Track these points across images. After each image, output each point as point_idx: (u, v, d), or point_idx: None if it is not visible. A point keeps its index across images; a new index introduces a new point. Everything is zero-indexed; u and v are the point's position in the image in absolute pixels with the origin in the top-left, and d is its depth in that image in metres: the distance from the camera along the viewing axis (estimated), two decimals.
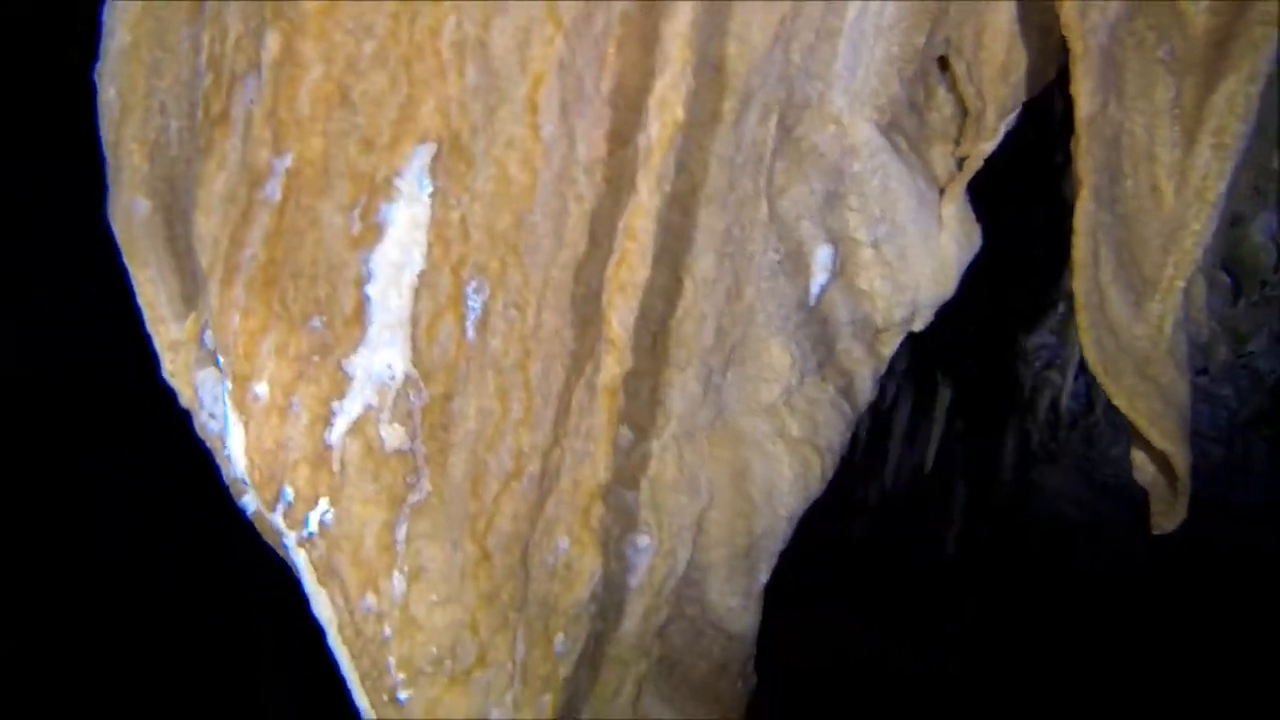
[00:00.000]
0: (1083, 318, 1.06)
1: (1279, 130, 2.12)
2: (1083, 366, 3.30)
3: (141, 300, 1.10)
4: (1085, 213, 1.04)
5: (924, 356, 3.65)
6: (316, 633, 1.07)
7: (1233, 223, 2.48)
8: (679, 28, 0.91)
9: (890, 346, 1.17)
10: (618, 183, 0.96)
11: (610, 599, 1.03)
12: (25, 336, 5.75)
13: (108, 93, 1.08)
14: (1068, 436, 3.99)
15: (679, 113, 0.91)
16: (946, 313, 1.28)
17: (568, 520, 0.94)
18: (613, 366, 0.92)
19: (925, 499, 4.87)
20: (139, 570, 6.03)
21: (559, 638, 0.94)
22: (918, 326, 1.19)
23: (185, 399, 1.08)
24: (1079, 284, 1.06)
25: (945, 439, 3.89)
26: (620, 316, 0.93)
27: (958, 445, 4.19)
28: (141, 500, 6.19)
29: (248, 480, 0.96)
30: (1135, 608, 6.12)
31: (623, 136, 0.97)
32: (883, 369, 1.18)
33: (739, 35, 0.97)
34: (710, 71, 0.98)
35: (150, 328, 1.11)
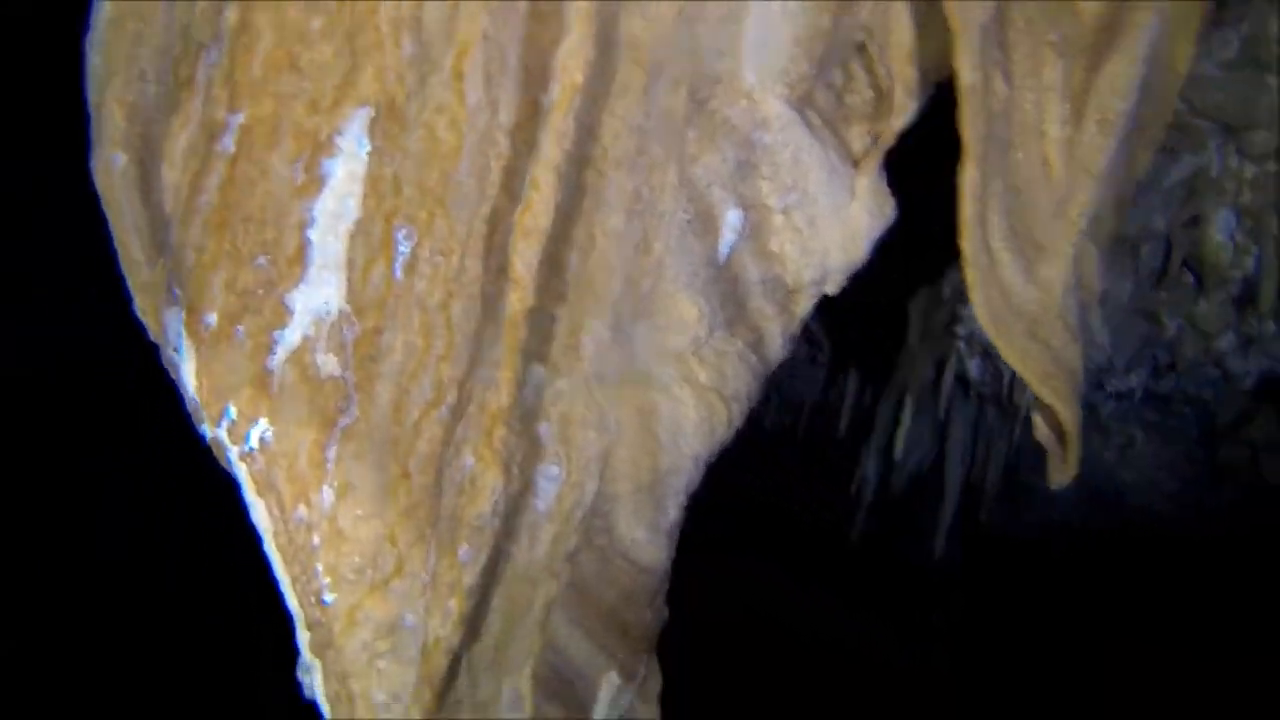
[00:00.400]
0: (971, 276, 1.17)
1: (1238, 128, 2.19)
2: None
3: (118, 245, 1.25)
4: (969, 178, 1.15)
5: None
6: None
7: (1193, 221, 2.54)
8: (581, 2, 1.03)
9: (803, 306, 1.29)
10: (530, 142, 1.09)
11: (522, 523, 1.15)
12: (25, 336, 5.87)
13: (95, 60, 1.24)
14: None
15: (577, 77, 1.04)
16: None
17: (474, 441, 1.06)
18: (515, 303, 1.05)
19: (913, 491, 4.92)
20: (139, 570, 6.17)
21: (463, 548, 1.06)
22: (830, 290, 1.30)
23: (154, 334, 1.23)
24: (966, 245, 1.17)
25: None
26: (524, 258, 1.06)
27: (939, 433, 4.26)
28: (141, 500, 6.30)
29: (196, 399, 1.10)
30: (1118, 601, 6.13)
31: (538, 102, 1.10)
32: (795, 328, 1.30)
33: (643, 12, 1.09)
34: (617, 45, 1.10)
35: (125, 270, 1.25)
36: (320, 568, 1.15)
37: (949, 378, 3.69)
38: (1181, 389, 3.56)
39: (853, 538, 5.23)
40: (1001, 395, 3.77)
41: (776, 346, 1.32)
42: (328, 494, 1.15)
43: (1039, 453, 4.04)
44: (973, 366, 3.81)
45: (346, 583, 1.15)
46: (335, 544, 1.15)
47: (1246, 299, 2.80)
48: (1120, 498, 4.79)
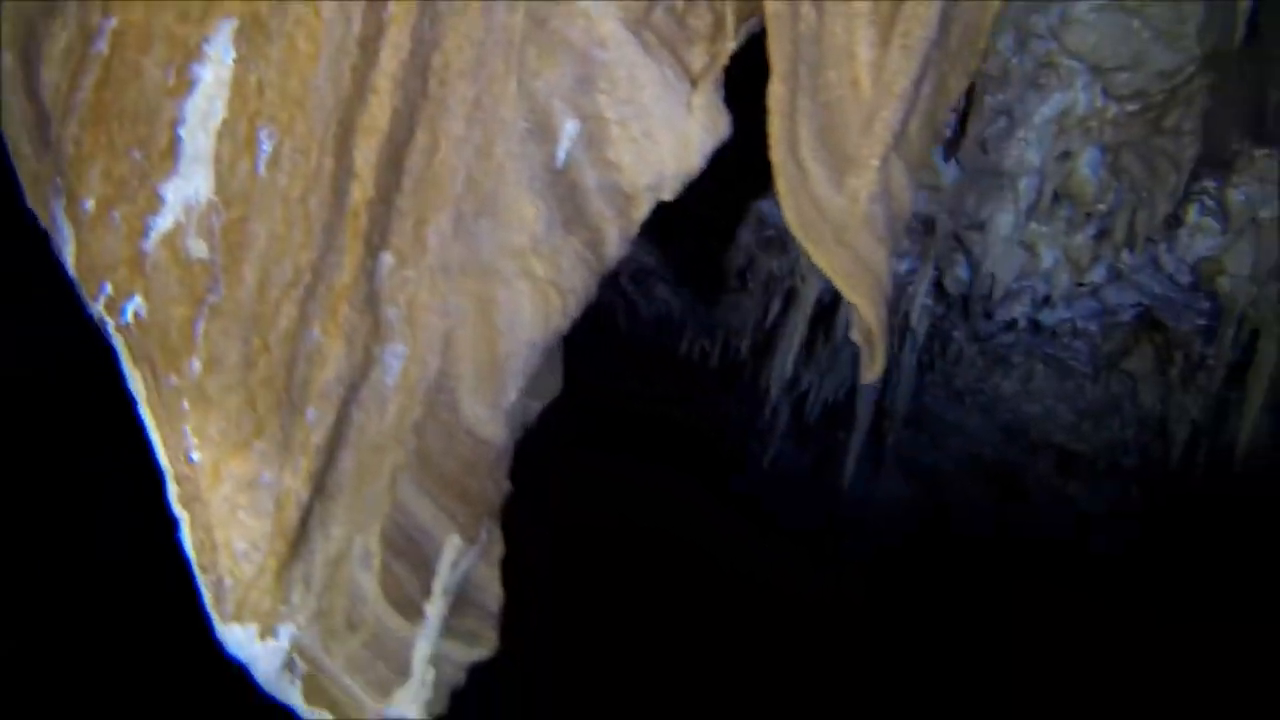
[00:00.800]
0: (781, 185, 1.33)
1: (1105, 68, 2.35)
2: (939, 287, 3.56)
3: (8, 140, 1.38)
4: (776, 96, 1.31)
5: None
6: None
7: (1064, 156, 2.72)
8: None
9: (640, 211, 1.45)
10: (375, 52, 1.22)
11: (370, 395, 1.31)
12: (25, 336, 5.82)
13: None
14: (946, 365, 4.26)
15: None
16: None
17: (322, 317, 1.22)
18: (356, 194, 1.21)
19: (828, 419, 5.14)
20: (139, 570, 6.20)
21: (310, 410, 1.22)
22: (666, 196, 1.46)
23: (44, 223, 1.35)
24: (775, 157, 1.32)
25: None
26: (364, 155, 1.21)
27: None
28: (141, 500, 6.26)
29: (75, 276, 1.23)
30: (1028, 531, 6.44)
31: (381, 17, 1.23)
32: (633, 230, 1.46)
33: None
34: None
35: (15, 163, 1.38)
36: (188, 429, 1.31)
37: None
38: (1070, 321, 3.76)
39: (764, 464, 5.44)
40: (907, 326, 3.96)
41: (614, 246, 1.49)
42: (196, 364, 1.30)
43: (949, 386, 4.27)
44: None
45: (211, 443, 1.30)
46: (202, 408, 1.30)
47: (1112, 233, 2.99)
48: (1025, 429, 5.03)
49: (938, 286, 3.60)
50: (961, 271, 3.39)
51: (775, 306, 4.32)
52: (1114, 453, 4.88)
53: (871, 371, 1.54)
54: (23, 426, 5.94)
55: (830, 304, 4.14)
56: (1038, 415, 4.83)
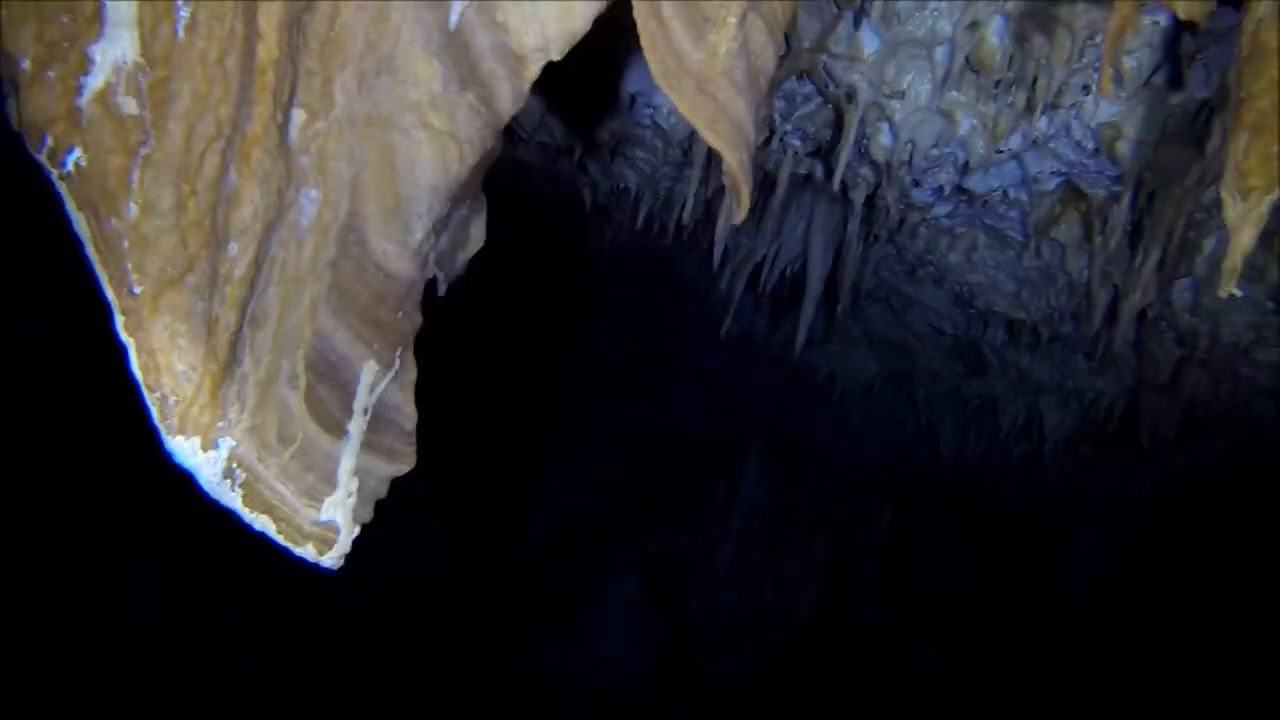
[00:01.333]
0: (645, 40, 1.50)
1: None
2: (870, 158, 3.74)
3: None
4: None
5: None
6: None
7: (973, 26, 2.87)
8: None
9: (531, 70, 1.64)
10: None
11: (289, 234, 1.51)
12: (25, 336, 5.86)
13: None
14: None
15: None
16: None
17: (238, 162, 1.41)
18: (262, 52, 1.39)
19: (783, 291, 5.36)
20: (139, 569, 6.36)
21: (231, 245, 1.43)
22: (554, 56, 1.63)
23: None
24: (638, 15, 1.49)
25: None
26: (267, 19, 1.40)
27: None
28: (141, 501, 6.34)
29: (18, 128, 1.42)
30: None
31: None
32: (524, 88, 1.64)
33: None
34: None
35: None
36: (129, 265, 1.51)
37: (784, 176, 4.06)
38: (1001, 190, 3.94)
39: (721, 335, 5.67)
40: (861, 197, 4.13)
41: (507, 103, 1.68)
42: (133, 207, 1.50)
43: (902, 259, 4.49)
44: (818, 166, 4.17)
45: (150, 278, 1.51)
46: (140, 247, 1.50)
47: (1021, 100, 3.16)
48: (972, 299, 5.25)
49: (868, 156, 3.77)
50: (885, 139, 3.56)
51: (715, 176, 4.48)
52: (1053, 321, 5.11)
53: (739, 213, 1.74)
54: (23, 427, 6.10)
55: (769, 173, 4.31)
56: (982, 284, 5.05)
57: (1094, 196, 3.77)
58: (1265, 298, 4.03)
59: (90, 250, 1.57)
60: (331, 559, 1.67)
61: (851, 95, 3.35)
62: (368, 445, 1.74)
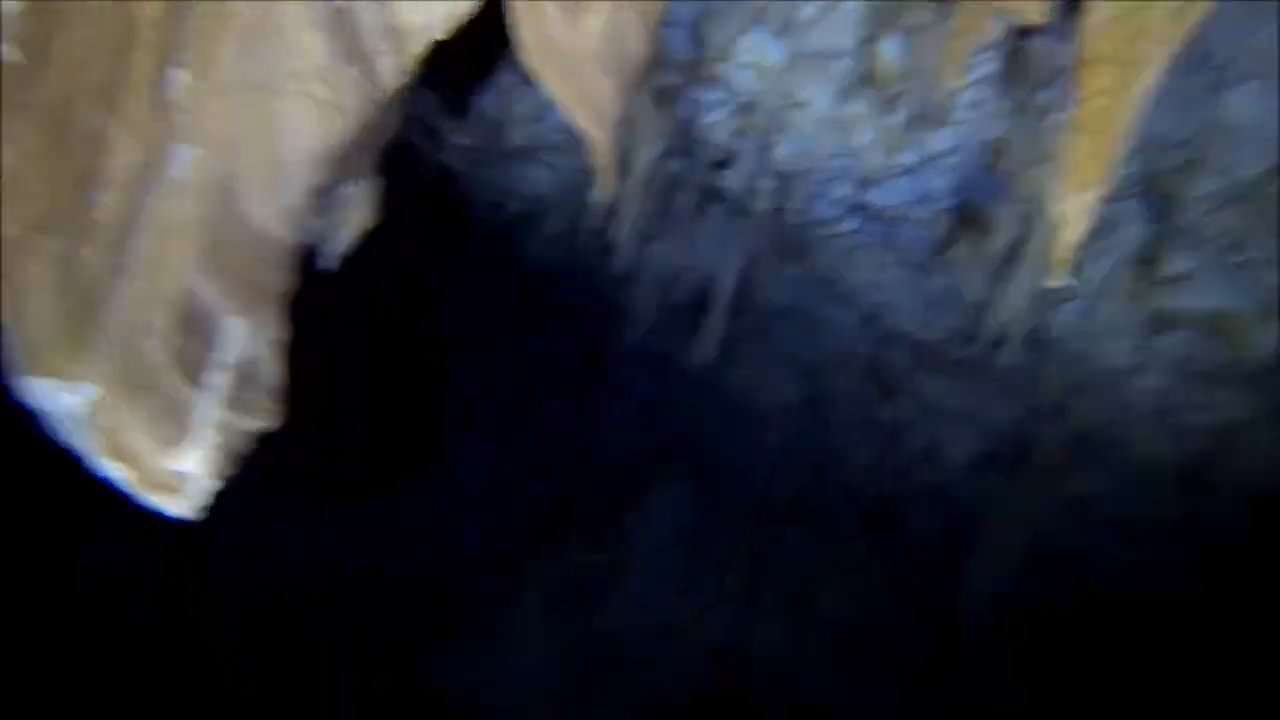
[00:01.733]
0: (516, 18, 1.59)
1: None
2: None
3: None
4: None
5: None
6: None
7: (870, 40, 3.01)
8: None
9: (416, 46, 1.71)
10: None
11: (164, 188, 1.59)
12: None
13: None
14: None
15: None
16: None
17: (115, 115, 1.46)
18: (147, 10, 1.44)
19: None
20: (139, 569, 6.27)
21: (103, 193, 1.46)
22: (439, 34, 1.72)
23: None
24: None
25: None
26: None
27: None
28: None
29: None
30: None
31: None
32: (408, 64, 1.71)
33: None
34: None
35: None
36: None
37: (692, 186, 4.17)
38: (901, 206, 4.07)
39: (639, 350, 5.74)
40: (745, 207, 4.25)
41: (391, 77, 1.77)
42: (9, 154, 1.54)
43: (810, 276, 4.53)
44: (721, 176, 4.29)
45: (19, 221, 1.55)
46: (15, 194, 1.55)
47: (916, 115, 3.31)
48: (879, 317, 5.38)
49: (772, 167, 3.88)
50: (785, 150, 3.68)
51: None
52: (954, 343, 5.26)
53: (603, 193, 1.84)
54: (22, 426, 5.85)
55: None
56: (889, 304, 5.18)
57: (987, 214, 3.90)
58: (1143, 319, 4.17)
59: None
60: (186, 509, 1.71)
61: (752, 105, 3.46)
62: (231, 401, 1.79)
